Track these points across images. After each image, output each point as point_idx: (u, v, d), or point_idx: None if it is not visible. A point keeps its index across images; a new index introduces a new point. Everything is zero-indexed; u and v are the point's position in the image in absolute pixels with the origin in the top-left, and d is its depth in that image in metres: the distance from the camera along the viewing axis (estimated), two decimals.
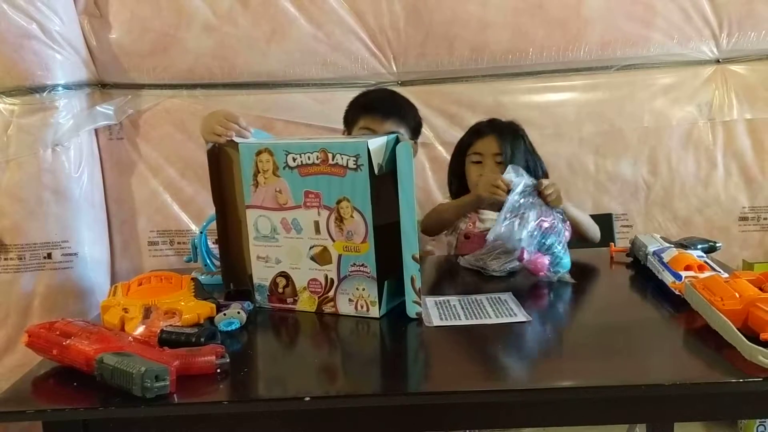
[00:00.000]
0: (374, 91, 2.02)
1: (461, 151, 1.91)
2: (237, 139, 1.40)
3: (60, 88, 2.07)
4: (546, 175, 1.88)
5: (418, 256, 1.26)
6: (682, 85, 2.23)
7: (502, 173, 1.60)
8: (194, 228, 2.24)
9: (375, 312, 1.29)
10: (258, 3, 2.15)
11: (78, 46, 2.13)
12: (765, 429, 2.23)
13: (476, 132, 1.89)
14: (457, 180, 1.92)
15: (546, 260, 1.48)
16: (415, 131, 1.93)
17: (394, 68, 2.23)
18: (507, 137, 1.82)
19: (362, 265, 1.29)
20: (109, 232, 2.28)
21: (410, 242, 1.26)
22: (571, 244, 1.60)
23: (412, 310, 1.28)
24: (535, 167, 1.85)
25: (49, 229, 2.08)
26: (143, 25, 2.16)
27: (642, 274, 1.50)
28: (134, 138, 2.26)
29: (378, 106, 1.86)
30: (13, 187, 2.04)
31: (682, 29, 2.18)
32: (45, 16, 2.02)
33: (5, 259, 2.07)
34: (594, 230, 1.81)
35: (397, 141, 1.29)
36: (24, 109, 2.03)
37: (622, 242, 1.97)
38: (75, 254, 2.12)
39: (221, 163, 1.46)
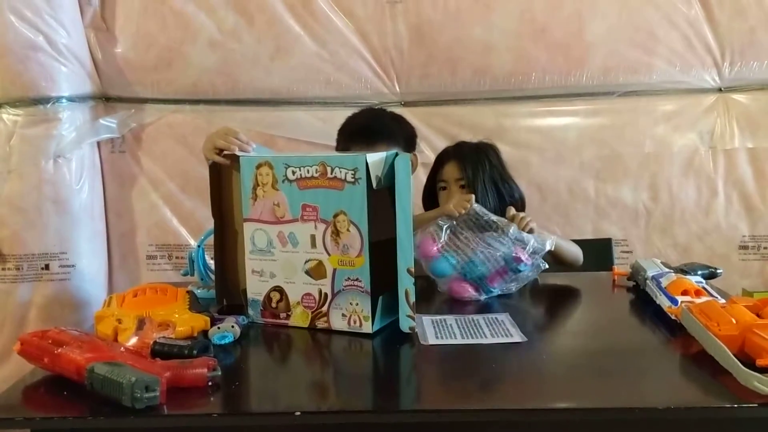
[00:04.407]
0: (357, 117, 1.95)
1: (432, 179, 1.91)
2: (239, 153, 1.41)
3: (64, 100, 2.09)
4: (522, 200, 1.87)
5: (413, 269, 1.25)
6: (683, 113, 2.24)
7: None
8: (193, 243, 2.23)
9: (368, 327, 1.28)
10: (263, 20, 2.17)
11: (83, 58, 2.15)
12: None
13: (440, 159, 1.90)
14: (432, 206, 1.88)
15: (465, 286, 1.51)
16: (408, 144, 1.89)
17: (397, 89, 2.24)
18: (468, 161, 1.82)
19: (356, 279, 1.28)
20: (107, 244, 2.28)
21: (406, 255, 1.25)
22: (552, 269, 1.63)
23: (405, 325, 1.26)
24: (510, 192, 1.83)
25: (48, 240, 2.08)
26: (149, 40, 2.18)
27: (642, 298, 1.49)
28: (136, 152, 2.27)
29: (362, 132, 1.84)
30: (13, 197, 2.04)
31: (685, 57, 2.19)
32: (52, 29, 2.04)
33: (3, 269, 2.07)
34: (574, 254, 1.76)
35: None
36: (27, 120, 2.05)
37: (621, 268, 1.96)
38: (73, 266, 2.12)
39: (222, 177, 1.46)
